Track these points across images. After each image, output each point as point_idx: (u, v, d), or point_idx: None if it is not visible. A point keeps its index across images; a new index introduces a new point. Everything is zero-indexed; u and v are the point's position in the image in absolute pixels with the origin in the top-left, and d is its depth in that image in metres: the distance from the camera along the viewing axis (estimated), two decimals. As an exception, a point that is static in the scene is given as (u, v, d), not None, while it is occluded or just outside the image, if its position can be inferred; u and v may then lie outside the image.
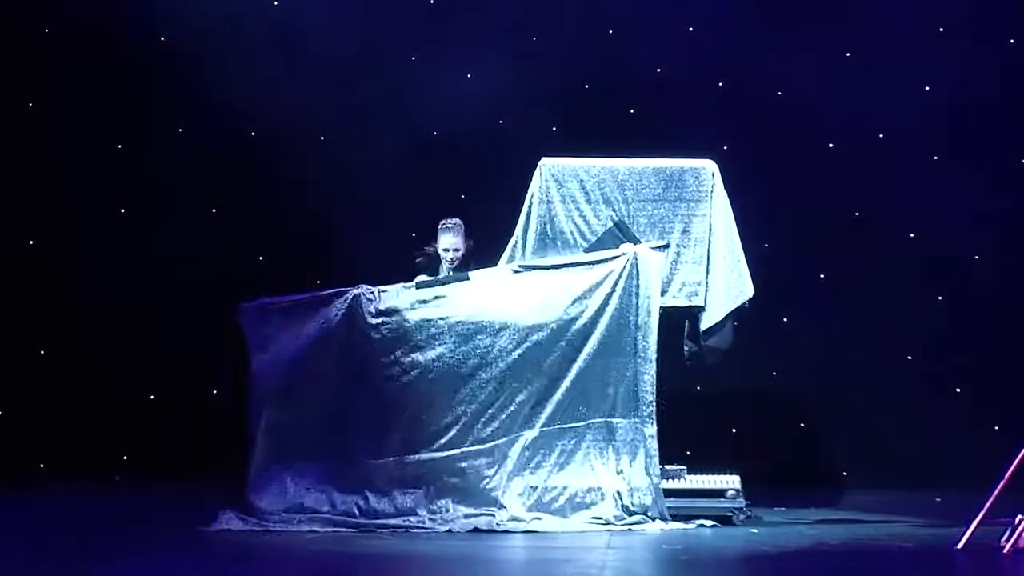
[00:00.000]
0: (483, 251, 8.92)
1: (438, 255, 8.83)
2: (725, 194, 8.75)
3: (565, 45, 11.04)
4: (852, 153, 10.98)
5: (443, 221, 8.88)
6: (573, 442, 8.37)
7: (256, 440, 8.45)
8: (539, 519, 8.19)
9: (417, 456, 8.37)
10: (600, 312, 8.41)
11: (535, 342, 8.42)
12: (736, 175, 9.01)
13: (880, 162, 10.94)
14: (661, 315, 8.47)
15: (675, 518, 8.27)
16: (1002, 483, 7.14)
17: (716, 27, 11.08)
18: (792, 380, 10.83)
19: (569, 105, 10.95)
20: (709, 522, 8.31)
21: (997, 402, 10.43)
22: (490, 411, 8.40)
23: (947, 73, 10.87)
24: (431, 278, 8.68)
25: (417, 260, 8.86)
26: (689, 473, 8.58)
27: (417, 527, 8.10)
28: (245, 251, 11.15)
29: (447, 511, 8.23)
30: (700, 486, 8.52)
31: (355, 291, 8.54)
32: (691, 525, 8.23)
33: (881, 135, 11.00)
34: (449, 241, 8.81)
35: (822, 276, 10.96)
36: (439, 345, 8.45)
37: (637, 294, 8.40)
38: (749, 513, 8.54)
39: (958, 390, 10.73)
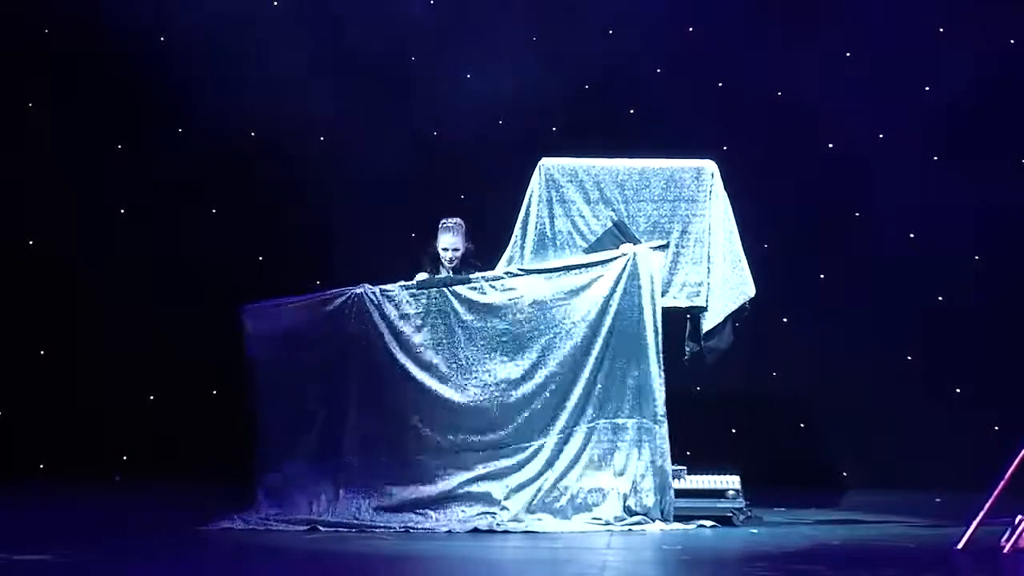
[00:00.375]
0: (483, 251, 8.92)
1: (438, 254, 8.83)
2: (725, 194, 8.74)
3: (565, 45, 11.04)
4: (852, 153, 10.98)
5: (443, 220, 8.88)
6: (578, 444, 8.35)
7: (259, 441, 8.45)
8: (540, 520, 8.19)
9: (420, 457, 8.37)
10: (603, 314, 8.40)
11: (540, 346, 8.42)
12: (736, 175, 9.01)
13: (880, 162, 10.94)
14: (662, 315, 8.46)
15: (675, 518, 8.27)
16: (1002, 483, 7.14)
17: (716, 27, 11.09)
18: (792, 380, 10.83)
19: (569, 105, 10.96)
20: (709, 522, 8.31)
21: (997, 402, 10.43)
22: (500, 415, 8.39)
23: (947, 73, 10.87)
24: (432, 277, 8.67)
25: (421, 260, 8.86)
26: (689, 473, 8.58)
27: (417, 527, 8.10)
28: (245, 251, 11.15)
29: (448, 511, 8.23)
30: (700, 486, 8.52)
31: (358, 291, 8.53)
32: (691, 526, 8.23)
33: (881, 135, 11.00)
34: (449, 240, 8.81)
35: (822, 276, 10.96)
36: (446, 350, 8.45)
37: (639, 294, 8.39)
38: (749, 513, 8.54)
39: (958, 390, 10.73)
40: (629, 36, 11.08)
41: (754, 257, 8.78)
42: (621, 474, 8.30)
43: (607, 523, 8.16)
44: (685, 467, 8.59)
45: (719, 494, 8.49)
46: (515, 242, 8.77)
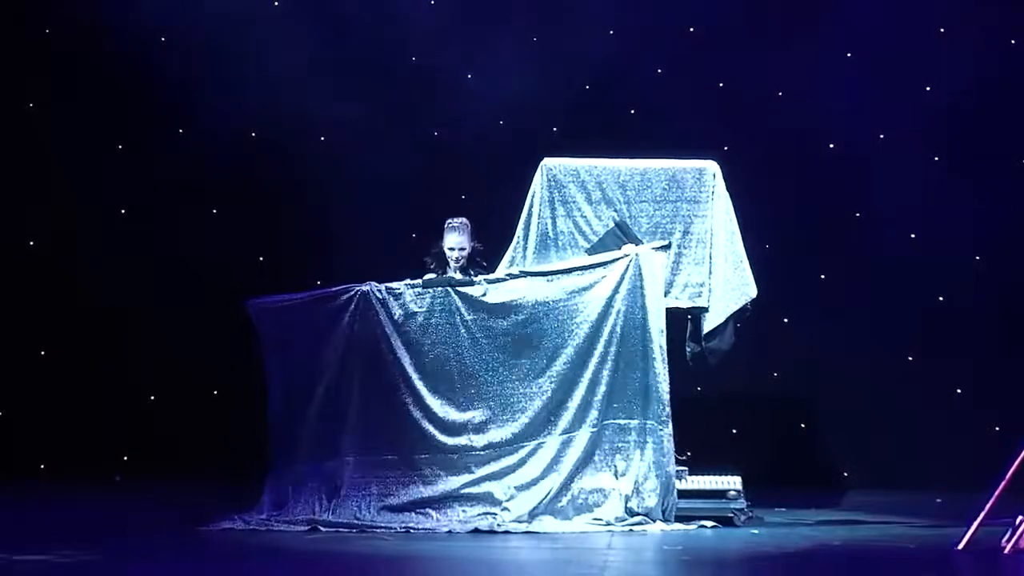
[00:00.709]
0: (485, 251, 8.91)
1: (444, 254, 8.82)
2: (727, 194, 8.74)
3: (566, 45, 11.03)
4: (853, 153, 10.98)
5: (449, 220, 8.86)
6: (582, 445, 8.34)
7: (268, 439, 8.46)
8: (540, 520, 8.18)
9: (422, 457, 8.37)
10: (606, 314, 8.39)
11: (543, 346, 8.42)
12: (737, 176, 9.00)
13: (881, 162, 10.94)
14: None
15: (676, 519, 8.27)
16: (1003, 483, 7.14)
17: (717, 27, 11.09)
18: (793, 381, 10.83)
19: (570, 105, 10.95)
20: (710, 523, 8.31)
21: (997, 403, 10.43)
22: (502, 416, 8.39)
23: (948, 73, 10.88)
24: (438, 277, 8.65)
25: (426, 259, 8.85)
26: (690, 474, 8.57)
27: (418, 527, 8.10)
28: (246, 251, 11.15)
29: (449, 511, 8.22)
30: (701, 487, 8.52)
31: (364, 288, 8.51)
32: (692, 526, 8.23)
33: (882, 135, 11.00)
34: (455, 240, 8.80)
35: (823, 277, 10.96)
36: (449, 350, 8.44)
37: (642, 295, 8.38)
38: (750, 514, 8.54)
39: (959, 391, 10.74)
40: (630, 36, 11.07)
41: (755, 257, 8.78)
42: (623, 475, 8.29)
43: (608, 524, 8.15)
44: (686, 467, 8.59)
45: (720, 494, 8.49)
46: (517, 242, 8.77)
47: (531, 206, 8.77)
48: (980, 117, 10.84)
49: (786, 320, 10.85)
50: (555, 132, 10.88)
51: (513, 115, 10.98)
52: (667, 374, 8.31)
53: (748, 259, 8.67)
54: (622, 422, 8.35)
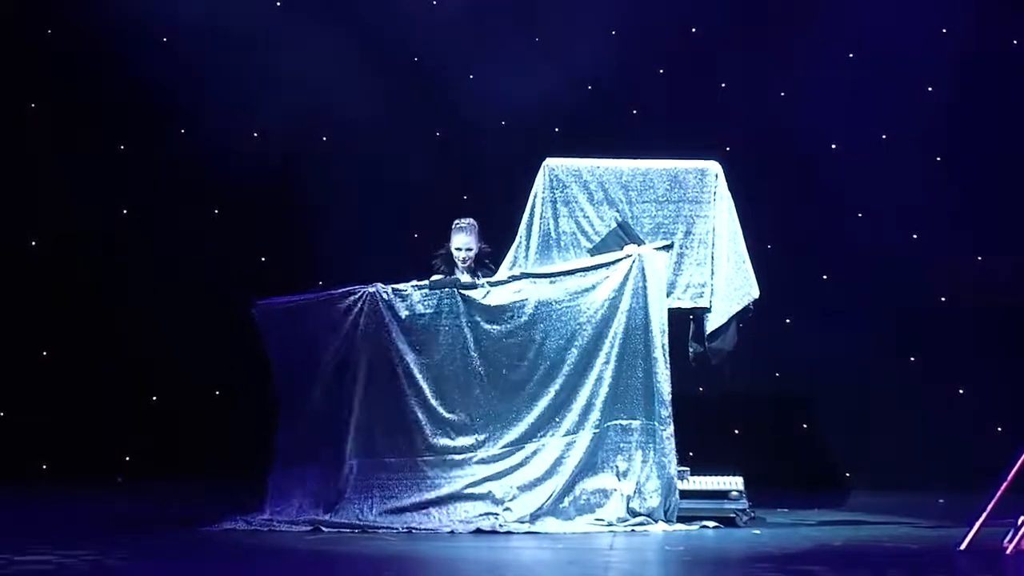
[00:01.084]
0: (491, 253, 8.91)
1: (451, 255, 8.81)
2: (729, 195, 8.74)
3: (568, 46, 11.03)
4: (855, 154, 10.97)
5: (456, 221, 8.85)
6: (585, 446, 8.33)
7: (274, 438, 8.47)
8: (543, 521, 8.18)
9: (425, 458, 8.36)
10: (609, 315, 8.39)
11: (548, 349, 8.41)
12: (739, 176, 9.01)
13: (883, 163, 10.94)
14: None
15: (678, 519, 8.27)
16: (1005, 484, 7.13)
17: (718, 28, 11.09)
18: (795, 381, 10.83)
19: (572, 106, 10.94)
20: (712, 523, 8.30)
21: (1000, 403, 10.43)
22: (506, 416, 8.39)
23: (949, 74, 10.88)
24: (444, 278, 8.65)
25: (434, 261, 8.84)
26: (692, 474, 8.57)
27: (420, 528, 8.09)
28: (246, 251, 11.15)
29: (451, 512, 8.22)
30: (703, 487, 8.52)
31: (371, 289, 8.50)
32: (694, 526, 8.22)
33: (884, 136, 11.00)
34: (462, 240, 8.79)
35: (824, 277, 10.96)
36: (455, 352, 8.44)
37: (645, 296, 8.38)
38: (752, 514, 8.54)
39: (961, 391, 10.73)
40: (632, 37, 11.07)
41: (757, 258, 8.78)
42: (626, 475, 8.28)
43: (610, 524, 8.15)
44: (688, 468, 8.59)
45: (722, 495, 8.49)
46: (519, 242, 8.77)
47: (533, 206, 8.77)
48: (981, 117, 10.83)
49: (788, 320, 10.85)
50: (557, 132, 10.88)
51: (515, 115, 10.98)
52: (668, 375, 8.30)
53: (750, 259, 8.67)
54: (624, 423, 8.34)
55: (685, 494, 8.41)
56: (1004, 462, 7.24)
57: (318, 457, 8.38)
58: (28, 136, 11.22)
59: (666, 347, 8.33)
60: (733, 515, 8.44)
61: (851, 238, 10.86)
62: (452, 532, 8.03)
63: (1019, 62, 10.90)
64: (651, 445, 8.29)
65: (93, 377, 11.03)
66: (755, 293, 8.63)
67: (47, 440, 10.95)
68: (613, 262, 8.44)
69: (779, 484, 9.92)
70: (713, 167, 8.76)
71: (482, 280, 8.58)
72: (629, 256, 8.43)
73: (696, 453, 9.09)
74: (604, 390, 8.35)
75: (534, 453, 8.35)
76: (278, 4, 11.29)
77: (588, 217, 8.75)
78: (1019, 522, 7.03)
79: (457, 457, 8.35)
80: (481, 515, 8.18)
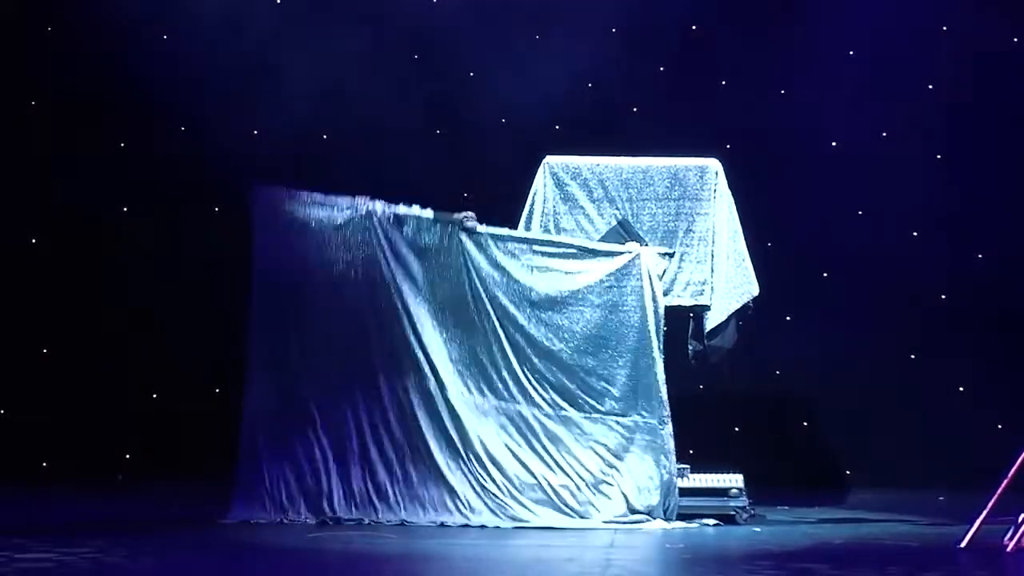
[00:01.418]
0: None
1: None
2: (729, 193, 8.74)
3: (568, 44, 11.02)
4: (855, 152, 10.97)
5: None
6: (580, 438, 8.34)
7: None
8: (537, 516, 8.18)
9: (421, 450, 8.35)
10: (608, 310, 8.39)
11: (541, 334, 8.40)
12: (740, 174, 9.01)
13: (883, 161, 10.93)
14: (665, 314, 8.47)
15: (678, 517, 8.27)
16: (1005, 482, 7.13)
17: (719, 25, 11.08)
18: (795, 379, 10.82)
19: (572, 104, 10.94)
20: (712, 521, 8.30)
21: (1000, 401, 10.43)
22: (500, 404, 8.38)
23: (950, 72, 10.87)
24: (446, 213, 8.54)
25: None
26: (692, 472, 8.57)
27: (413, 522, 8.10)
28: (247, 251, 11.12)
29: (445, 506, 8.22)
30: (703, 485, 8.52)
31: (373, 205, 8.43)
32: (694, 524, 8.22)
33: (884, 134, 10.99)
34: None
35: (825, 275, 10.95)
36: (458, 291, 8.41)
37: (642, 294, 8.38)
38: (752, 512, 8.54)
39: (961, 389, 10.73)
40: (632, 35, 11.06)
41: (757, 256, 8.78)
42: (626, 473, 8.27)
43: (609, 521, 8.14)
44: (688, 465, 8.59)
45: (722, 493, 8.49)
46: (519, 240, 8.77)
47: (533, 204, 8.77)
48: (982, 116, 10.83)
49: (788, 318, 10.84)
50: (557, 130, 10.87)
51: (516, 113, 10.97)
52: (664, 374, 8.30)
53: (750, 257, 8.67)
54: (624, 419, 8.33)
55: (685, 492, 8.41)
56: (1004, 461, 7.23)
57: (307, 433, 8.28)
58: (28, 136, 11.21)
59: (662, 346, 8.33)
60: (733, 513, 8.44)
61: (851, 238, 10.85)
62: (442, 524, 8.05)
63: (1020, 61, 10.90)
64: (651, 442, 8.29)
65: (93, 376, 11.02)
66: (755, 291, 8.64)
67: (47, 439, 10.94)
68: (618, 253, 8.44)
69: (779, 482, 9.91)
70: (713, 164, 8.76)
71: (484, 227, 8.49)
72: (631, 252, 8.43)
73: (696, 451, 9.09)
74: (600, 384, 8.34)
75: (532, 446, 8.33)
76: (278, 2, 11.28)
77: (588, 215, 8.75)
78: (1019, 520, 7.03)
79: (452, 435, 8.27)
80: (478, 507, 8.17)
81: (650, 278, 8.38)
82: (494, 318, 8.37)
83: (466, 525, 8.10)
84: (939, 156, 10.93)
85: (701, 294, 8.67)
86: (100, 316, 11.06)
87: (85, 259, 11.13)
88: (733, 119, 10.89)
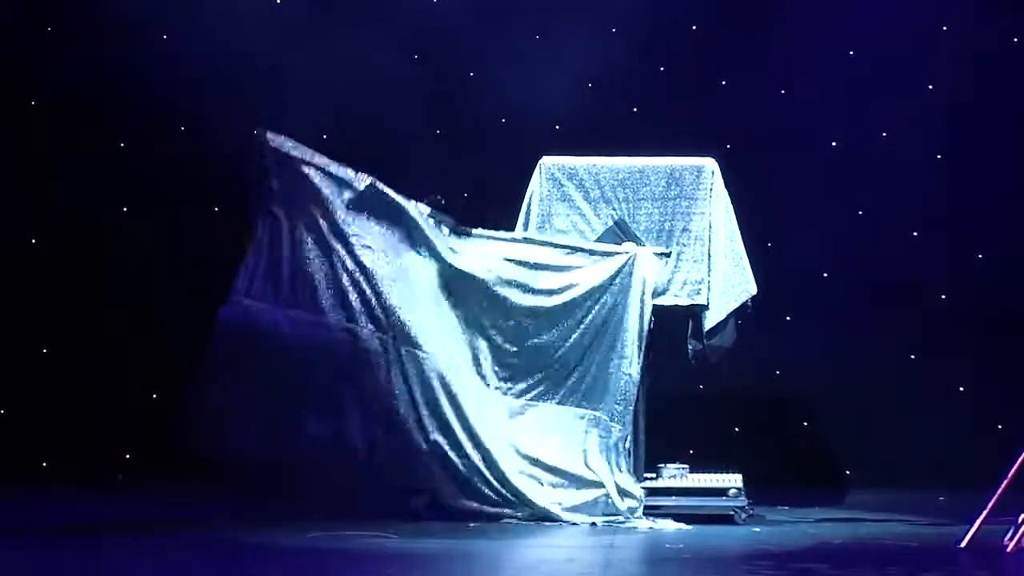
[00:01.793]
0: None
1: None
2: (725, 192, 8.75)
3: (567, 43, 11.02)
4: (854, 152, 10.97)
5: None
6: (536, 422, 8.38)
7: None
8: (521, 512, 8.22)
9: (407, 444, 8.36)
10: (593, 306, 8.41)
11: (536, 327, 8.44)
12: (739, 174, 9.01)
13: (883, 161, 10.93)
14: (663, 314, 8.49)
15: (677, 518, 8.27)
16: (1005, 482, 7.12)
17: (719, 25, 11.08)
18: (795, 379, 10.81)
19: (570, 103, 10.93)
20: (676, 525, 8.25)
21: (1001, 401, 10.42)
22: (486, 397, 8.39)
23: (950, 72, 10.87)
24: (444, 214, 8.62)
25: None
26: (691, 472, 8.57)
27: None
28: (247, 250, 11.12)
29: (435, 502, 8.23)
30: (702, 485, 8.52)
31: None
32: (670, 525, 8.18)
33: (884, 134, 10.99)
34: None
35: (825, 275, 10.95)
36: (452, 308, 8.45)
37: (629, 293, 8.41)
38: (751, 512, 8.54)
39: (961, 389, 10.72)
40: (631, 34, 11.06)
41: (757, 256, 8.77)
42: (587, 466, 8.29)
43: (592, 514, 8.19)
44: (687, 466, 8.59)
45: (721, 493, 8.48)
46: (515, 240, 8.78)
47: (530, 204, 8.78)
48: (983, 116, 10.82)
49: (788, 318, 10.84)
50: (555, 130, 10.87)
51: (513, 113, 10.97)
52: (639, 374, 8.29)
53: (749, 257, 8.68)
54: (587, 412, 8.35)
55: (684, 492, 8.41)
56: (1004, 461, 7.23)
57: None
58: (28, 136, 11.21)
59: (643, 347, 8.33)
60: (732, 513, 8.44)
61: (851, 236, 10.85)
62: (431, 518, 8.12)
63: (1020, 61, 10.89)
64: (608, 438, 8.31)
65: (93, 376, 11.02)
66: (753, 290, 8.64)
67: (47, 439, 10.94)
68: (611, 253, 8.44)
69: (779, 482, 9.91)
70: (709, 164, 8.77)
71: (479, 230, 8.57)
72: (627, 252, 8.44)
73: (696, 451, 9.09)
74: (573, 377, 8.37)
75: (518, 441, 8.36)
76: (278, 2, 11.28)
77: (584, 215, 8.75)
78: (1020, 520, 7.01)
79: (444, 444, 8.31)
80: (462, 507, 8.19)
81: (640, 279, 8.39)
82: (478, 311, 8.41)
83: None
84: (939, 156, 10.93)
85: (698, 293, 8.67)
86: (100, 316, 11.06)
87: (85, 259, 11.13)
88: (733, 119, 10.89)
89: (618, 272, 8.42)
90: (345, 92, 10.99)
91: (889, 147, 10.95)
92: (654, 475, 8.56)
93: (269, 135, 8.57)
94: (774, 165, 10.79)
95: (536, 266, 8.47)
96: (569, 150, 8.95)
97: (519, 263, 8.48)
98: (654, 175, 8.75)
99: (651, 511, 8.29)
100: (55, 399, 11.00)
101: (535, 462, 8.33)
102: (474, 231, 8.60)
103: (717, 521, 8.36)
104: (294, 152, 8.58)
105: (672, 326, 8.55)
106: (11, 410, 11.09)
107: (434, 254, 8.52)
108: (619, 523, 8.15)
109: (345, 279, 8.40)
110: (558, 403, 8.41)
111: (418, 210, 8.60)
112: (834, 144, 11.02)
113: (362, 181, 8.58)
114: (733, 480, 8.50)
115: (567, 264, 8.47)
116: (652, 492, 8.43)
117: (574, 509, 8.22)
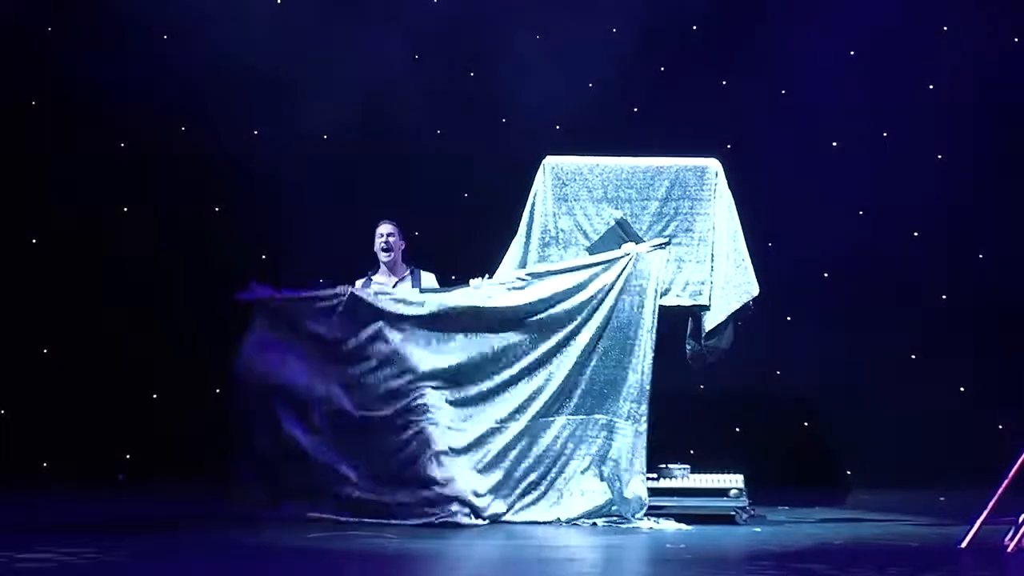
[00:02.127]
0: (487, 249, 8.92)
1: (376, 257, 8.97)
2: (729, 193, 8.75)
3: (569, 44, 11.03)
4: (856, 152, 10.98)
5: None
6: (552, 435, 8.37)
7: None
8: (520, 512, 8.24)
9: (413, 454, 8.38)
10: (598, 309, 8.41)
11: (539, 338, 8.42)
12: (740, 174, 9.01)
13: (884, 161, 10.94)
14: (665, 314, 8.47)
15: (678, 518, 8.27)
16: (1006, 482, 7.13)
17: (720, 25, 11.09)
18: (796, 379, 10.83)
19: (573, 104, 10.94)
20: (678, 525, 8.25)
21: (1001, 401, 10.44)
22: (490, 410, 8.40)
23: (951, 72, 10.88)
24: (437, 288, 8.71)
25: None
26: (692, 472, 8.57)
27: (401, 523, 8.11)
28: (247, 250, 11.14)
29: (433, 504, 8.24)
30: (703, 485, 8.52)
31: (351, 290, 8.56)
32: (672, 525, 8.18)
33: (885, 134, 11.00)
34: (383, 229, 9.03)
35: (825, 275, 10.96)
36: (449, 348, 8.46)
37: (638, 294, 8.39)
38: (752, 512, 8.54)
39: (962, 389, 10.73)
40: (633, 35, 11.07)
41: (757, 256, 8.78)
42: (598, 471, 8.28)
43: (591, 515, 8.20)
44: (688, 466, 8.59)
45: (722, 493, 8.49)
46: (520, 240, 8.78)
47: (533, 204, 8.78)
48: (983, 116, 10.84)
49: (789, 319, 10.85)
50: (558, 130, 10.88)
51: (517, 113, 10.98)
52: (650, 374, 8.30)
53: (750, 257, 8.67)
54: (598, 417, 8.35)
55: (685, 492, 8.41)
56: (1004, 461, 7.23)
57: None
58: (28, 136, 11.21)
59: (653, 347, 8.33)
60: (733, 513, 8.45)
61: (852, 236, 10.86)
62: (430, 524, 8.11)
63: (1020, 61, 10.90)
64: (624, 441, 8.29)
65: (93, 375, 11.02)
66: (755, 291, 8.64)
67: (48, 438, 10.94)
68: (610, 262, 8.44)
69: (780, 482, 9.92)
70: (713, 165, 8.77)
71: (478, 280, 8.60)
72: (627, 255, 8.44)
73: (696, 451, 9.10)
74: (588, 384, 8.38)
75: (521, 445, 8.37)
76: (279, 3, 11.28)
77: (588, 215, 8.76)
78: (1020, 520, 7.02)
79: (451, 455, 8.35)
80: (460, 510, 8.21)
81: (646, 278, 8.39)
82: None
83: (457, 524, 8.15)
84: (939, 156, 10.94)
85: (700, 294, 8.67)
86: (100, 316, 11.06)
87: (85, 259, 11.13)
88: (733, 119, 10.90)
89: (620, 275, 8.40)
90: (345, 92, 11.00)
91: (889, 147, 10.96)
92: (655, 475, 8.56)
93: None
94: (774, 165, 10.80)
95: (552, 299, 8.49)
96: (572, 150, 8.96)
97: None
98: (657, 176, 8.75)
99: (653, 511, 8.29)
100: (55, 399, 11.00)
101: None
102: (472, 281, 8.64)
103: (718, 521, 8.37)
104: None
105: (673, 326, 8.55)
106: (11, 410, 11.10)
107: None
108: (620, 523, 8.15)
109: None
110: (570, 414, 8.43)
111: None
112: (834, 144, 11.03)
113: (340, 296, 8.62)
114: (734, 480, 8.50)
115: (576, 284, 8.47)
116: (654, 492, 8.42)
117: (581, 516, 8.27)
